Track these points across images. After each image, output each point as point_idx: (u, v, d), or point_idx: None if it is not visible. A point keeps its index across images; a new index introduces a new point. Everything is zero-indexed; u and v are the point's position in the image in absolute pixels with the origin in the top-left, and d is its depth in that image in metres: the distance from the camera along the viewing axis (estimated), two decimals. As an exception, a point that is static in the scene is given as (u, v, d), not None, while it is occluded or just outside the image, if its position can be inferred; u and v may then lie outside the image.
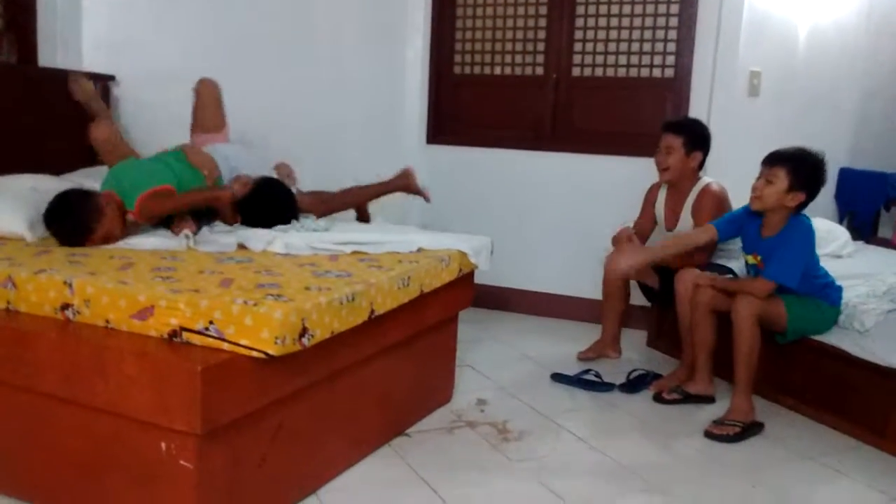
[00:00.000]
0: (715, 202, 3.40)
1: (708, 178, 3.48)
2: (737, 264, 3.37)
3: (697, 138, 3.44)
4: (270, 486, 2.13)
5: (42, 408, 2.07)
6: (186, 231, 2.77)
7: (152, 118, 3.46)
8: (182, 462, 1.86)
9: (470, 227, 3.47)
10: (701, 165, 3.47)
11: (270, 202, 3.08)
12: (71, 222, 2.64)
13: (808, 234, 2.95)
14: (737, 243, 3.34)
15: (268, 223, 2.97)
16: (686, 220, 3.48)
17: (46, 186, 2.91)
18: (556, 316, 4.46)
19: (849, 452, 2.83)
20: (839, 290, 3.05)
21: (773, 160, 2.93)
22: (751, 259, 3.07)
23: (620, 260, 3.22)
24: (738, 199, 3.21)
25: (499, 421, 2.94)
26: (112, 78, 3.69)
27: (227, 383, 1.86)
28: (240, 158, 3.26)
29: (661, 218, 3.60)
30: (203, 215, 2.98)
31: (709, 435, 2.88)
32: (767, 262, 2.96)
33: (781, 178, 2.88)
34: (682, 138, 3.41)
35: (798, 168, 2.87)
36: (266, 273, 2.32)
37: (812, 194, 2.91)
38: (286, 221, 3.03)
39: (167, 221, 2.90)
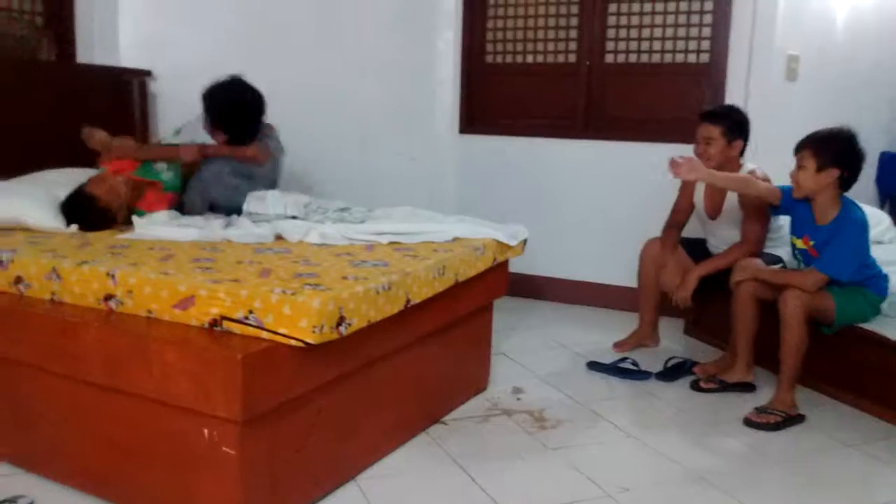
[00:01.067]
0: None
1: (751, 164, 3.42)
2: (784, 252, 3.32)
3: (737, 125, 3.37)
4: (310, 472, 2.16)
5: (87, 396, 2.12)
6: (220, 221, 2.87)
7: (188, 112, 3.49)
8: (224, 448, 1.89)
9: (503, 217, 3.46)
10: (742, 152, 3.42)
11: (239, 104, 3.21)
12: (89, 224, 2.84)
13: (864, 227, 2.92)
14: (783, 230, 3.29)
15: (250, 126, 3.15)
16: (731, 209, 3.42)
17: (79, 181, 2.98)
18: (590, 304, 4.45)
19: (891, 440, 2.78)
20: (886, 278, 3.00)
21: (799, 145, 2.94)
22: (800, 243, 3.02)
23: (685, 167, 3.08)
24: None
25: (535, 409, 2.94)
26: (149, 73, 3.75)
27: (266, 371, 1.88)
28: None
29: (701, 207, 3.54)
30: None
31: (749, 423, 2.85)
32: (821, 251, 2.91)
33: (808, 160, 2.87)
34: (721, 127, 3.34)
35: (822, 146, 2.87)
36: (304, 263, 2.35)
37: (848, 168, 2.87)
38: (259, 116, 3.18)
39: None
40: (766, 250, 3.38)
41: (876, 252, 3.19)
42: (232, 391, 1.81)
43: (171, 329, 2.00)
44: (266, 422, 1.94)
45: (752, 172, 3.37)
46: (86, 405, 2.14)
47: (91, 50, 3.81)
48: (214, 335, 1.96)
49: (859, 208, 2.95)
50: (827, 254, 2.88)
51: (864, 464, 2.61)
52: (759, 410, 2.89)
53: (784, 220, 3.30)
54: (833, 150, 2.86)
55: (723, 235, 3.48)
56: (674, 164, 3.10)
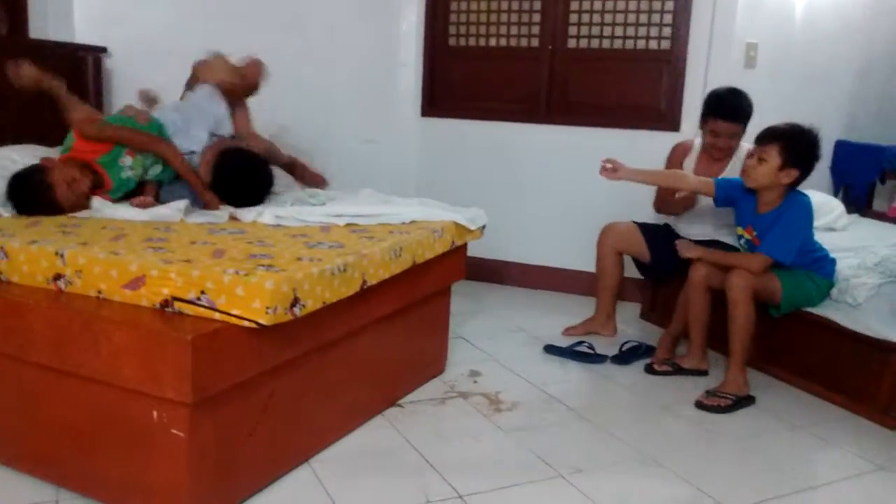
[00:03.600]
0: None
1: (746, 144, 3.40)
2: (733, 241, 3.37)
3: (751, 116, 3.35)
4: (262, 454, 2.15)
5: (35, 378, 2.08)
6: (180, 203, 2.77)
7: (144, 87, 3.44)
8: (174, 431, 1.87)
9: (464, 200, 3.46)
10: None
11: (242, 179, 2.99)
12: (33, 207, 2.64)
13: (806, 211, 2.95)
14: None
15: (250, 200, 2.93)
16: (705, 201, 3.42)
17: (26, 158, 2.90)
18: (550, 289, 4.48)
19: (838, 422, 2.85)
20: (833, 262, 3.06)
21: (765, 138, 2.91)
22: (745, 233, 3.07)
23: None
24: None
25: (491, 392, 2.96)
26: (104, 50, 3.67)
27: (217, 353, 1.87)
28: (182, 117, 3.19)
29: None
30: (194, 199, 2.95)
31: (700, 405, 2.90)
32: (763, 237, 2.96)
33: (773, 156, 2.86)
34: (743, 124, 3.33)
35: (790, 145, 2.86)
36: (258, 244, 2.33)
37: (806, 170, 2.90)
38: (265, 193, 3.02)
39: (132, 194, 2.91)
40: (721, 239, 3.41)
41: (828, 239, 3.26)
42: (181, 373, 1.79)
43: (120, 310, 1.97)
44: (217, 404, 1.93)
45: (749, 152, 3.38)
46: (34, 387, 2.10)
47: (44, 25, 3.72)
48: (165, 316, 1.93)
49: (803, 193, 2.98)
50: (770, 237, 2.92)
51: (811, 445, 2.67)
52: (710, 393, 2.94)
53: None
54: (800, 151, 2.86)
55: (698, 219, 3.47)
56: (605, 167, 3.20)
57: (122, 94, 3.68)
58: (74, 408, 2.04)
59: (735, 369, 2.96)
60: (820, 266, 3.02)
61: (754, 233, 3.01)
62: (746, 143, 3.42)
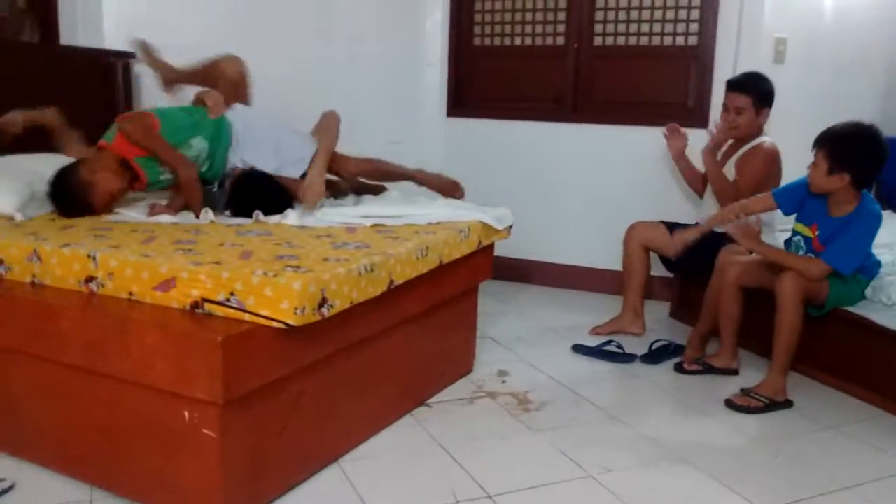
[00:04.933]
0: (765, 160, 3.33)
1: (768, 138, 3.40)
2: (769, 239, 3.31)
3: (765, 94, 3.38)
4: (292, 454, 2.16)
5: (68, 380, 2.11)
6: (208, 209, 2.79)
7: (173, 95, 3.47)
8: (205, 431, 1.89)
9: (490, 200, 3.44)
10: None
11: (258, 196, 2.90)
12: (69, 205, 2.69)
13: (877, 224, 2.85)
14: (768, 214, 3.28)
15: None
16: (728, 172, 3.43)
17: (49, 167, 2.90)
18: (578, 288, 4.46)
19: (873, 422, 2.81)
20: (879, 264, 2.99)
21: (816, 141, 2.84)
22: (807, 231, 2.96)
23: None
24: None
25: (520, 392, 2.95)
26: (133, 55, 3.71)
27: (247, 353, 1.88)
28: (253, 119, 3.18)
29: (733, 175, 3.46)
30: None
31: (730, 404, 2.87)
32: (828, 240, 2.88)
33: (820, 161, 2.79)
34: (751, 97, 3.35)
35: (836, 148, 2.77)
36: (286, 245, 2.34)
37: (863, 171, 2.78)
38: (278, 211, 2.86)
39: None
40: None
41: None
42: (212, 373, 1.81)
43: (151, 311, 1.99)
44: (247, 404, 1.94)
45: (761, 143, 3.36)
46: (67, 389, 2.13)
47: (74, 32, 3.77)
48: (195, 317, 1.95)
49: (875, 202, 2.89)
50: (836, 247, 2.83)
51: (845, 445, 2.63)
52: (744, 393, 2.90)
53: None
54: (847, 154, 2.77)
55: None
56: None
57: (151, 99, 3.72)
58: (107, 409, 2.06)
59: (776, 372, 2.89)
60: (866, 268, 2.96)
61: (817, 232, 2.92)
62: (769, 138, 3.39)
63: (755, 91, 3.37)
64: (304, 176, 3.05)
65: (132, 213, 2.76)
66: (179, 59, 3.69)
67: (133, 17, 3.73)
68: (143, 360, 1.91)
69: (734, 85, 3.42)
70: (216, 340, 1.80)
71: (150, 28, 3.74)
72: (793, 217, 3.08)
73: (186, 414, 1.90)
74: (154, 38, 3.74)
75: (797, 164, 3.93)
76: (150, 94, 3.74)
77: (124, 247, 2.22)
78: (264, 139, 3.11)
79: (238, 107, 3.19)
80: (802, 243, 3.00)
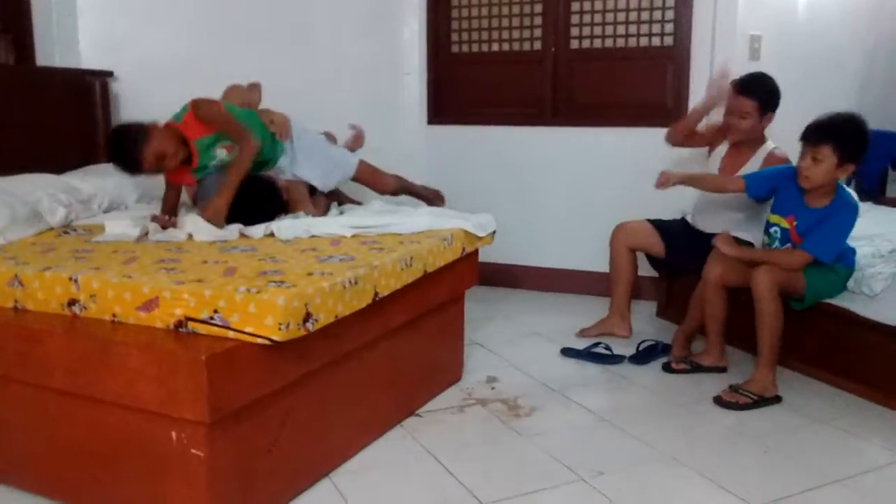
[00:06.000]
0: None
1: (772, 143, 3.39)
2: (756, 235, 3.34)
3: (771, 98, 3.30)
4: (282, 470, 2.15)
5: (54, 404, 2.09)
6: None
7: (150, 111, 3.45)
8: (193, 451, 1.88)
9: (474, 206, 3.45)
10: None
11: (252, 197, 2.97)
12: (120, 155, 2.80)
13: (855, 214, 2.89)
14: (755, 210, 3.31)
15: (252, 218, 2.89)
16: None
17: (31, 189, 2.89)
18: (564, 291, 4.47)
19: (861, 414, 2.83)
20: (853, 251, 3.02)
21: (817, 137, 2.81)
22: (784, 222, 2.99)
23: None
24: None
25: (510, 397, 2.95)
26: (110, 74, 3.70)
27: (232, 371, 1.87)
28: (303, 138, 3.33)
29: (718, 171, 3.46)
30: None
31: (718, 400, 2.88)
32: (806, 231, 2.90)
33: (829, 156, 2.78)
34: (756, 102, 3.26)
35: (844, 141, 2.78)
36: (269, 260, 2.34)
37: (861, 162, 2.84)
38: (270, 215, 2.96)
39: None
40: (735, 233, 3.38)
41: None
42: (198, 393, 1.80)
43: (135, 332, 1.98)
44: (235, 422, 1.94)
45: (773, 152, 3.33)
46: (53, 413, 2.11)
47: (51, 52, 3.75)
48: (179, 337, 1.94)
49: (850, 192, 2.92)
50: (816, 236, 2.86)
51: (834, 438, 2.65)
52: (732, 389, 2.92)
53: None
54: (854, 145, 2.79)
55: (717, 214, 3.43)
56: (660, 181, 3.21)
57: (130, 117, 3.70)
58: (94, 432, 2.05)
59: (763, 368, 2.91)
60: (843, 256, 2.98)
61: (795, 223, 2.95)
62: (773, 143, 3.38)
63: (762, 94, 3.27)
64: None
65: (116, 231, 2.73)
66: (156, 75, 3.68)
67: (109, 35, 3.71)
68: (128, 382, 1.89)
69: (741, 87, 3.29)
70: (200, 359, 1.79)
71: (127, 46, 3.74)
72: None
73: (174, 434, 1.89)
74: (131, 56, 3.73)
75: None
76: (130, 113, 3.73)
77: (106, 268, 2.20)
78: (312, 153, 3.30)
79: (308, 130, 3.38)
80: (779, 234, 3.02)
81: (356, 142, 3.81)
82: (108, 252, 2.45)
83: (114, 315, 2.06)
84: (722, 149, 3.50)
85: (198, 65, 3.67)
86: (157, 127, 2.87)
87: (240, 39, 4.03)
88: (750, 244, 3.30)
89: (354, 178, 3.44)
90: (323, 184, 3.33)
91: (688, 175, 3.29)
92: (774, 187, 3.03)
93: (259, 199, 2.99)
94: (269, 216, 2.93)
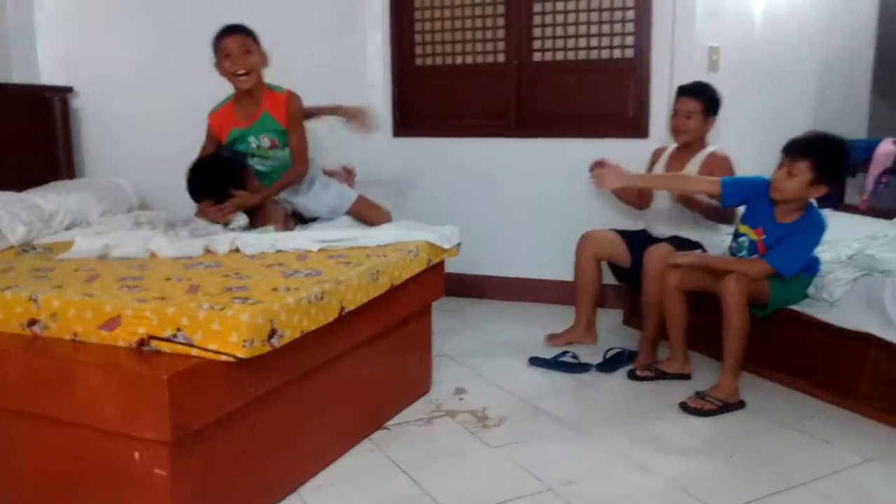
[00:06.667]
0: (726, 169, 3.36)
1: (713, 145, 3.47)
2: (705, 234, 3.40)
3: (714, 103, 3.44)
4: (249, 488, 2.13)
5: (13, 425, 2.05)
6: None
7: (111, 127, 3.44)
8: (156, 470, 1.85)
9: (439, 218, 3.46)
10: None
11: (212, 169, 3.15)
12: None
13: (821, 233, 2.92)
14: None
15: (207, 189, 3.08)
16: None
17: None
18: (531, 300, 4.48)
19: (824, 417, 2.87)
20: (819, 262, 3.04)
21: (796, 151, 2.84)
22: (751, 233, 3.01)
23: (609, 176, 3.13)
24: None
25: (478, 408, 2.96)
26: (70, 90, 3.67)
27: (195, 389, 1.85)
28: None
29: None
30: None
31: (684, 407, 2.91)
32: (772, 245, 2.93)
33: (804, 171, 2.80)
34: (702, 103, 3.41)
35: (823, 161, 2.80)
36: (234, 276, 2.32)
37: (835, 185, 2.88)
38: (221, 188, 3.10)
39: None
40: (682, 235, 3.44)
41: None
42: (159, 412, 1.78)
43: (95, 351, 1.95)
44: (198, 441, 1.91)
45: (714, 152, 3.41)
46: (13, 434, 2.07)
47: (8, 68, 3.71)
48: (141, 356, 1.92)
49: (819, 212, 2.96)
50: (780, 250, 2.89)
51: (799, 441, 2.69)
52: (698, 395, 2.95)
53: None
54: (832, 167, 2.83)
55: (669, 218, 3.50)
56: (596, 175, 3.13)
57: (91, 132, 3.67)
58: (54, 453, 2.01)
59: (728, 375, 2.94)
60: (807, 266, 3.01)
61: (763, 236, 2.97)
62: (714, 147, 3.46)
63: (706, 97, 3.43)
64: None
65: (83, 247, 2.69)
66: (115, 90, 3.65)
67: (68, 52, 3.68)
68: (89, 402, 1.87)
69: (686, 90, 3.47)
70: (162, 378, 1.77)
71: (86, 62, 3.71)
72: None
73: (136, 454, 1.87)
74: (91, 72, 3.70)
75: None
76: (90, 128, 3.70)
77: (67, 287, 2.17)
78: (328, 187, 3.45)
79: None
80: (747, 244, 3.05)
81: (349, 182, 3.82)
82: (70, 270, 2.41)
83: (75, 334, 2.03)
84: (667, 154, 3.58)
85: (157, 80, 3.65)
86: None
87: (199, 53, 3.99)
88: (698, 244, 3.36)
89: (349, 212, 3.44)
90: (329, 217, 3.38)
91: (643, 176, 3.32)
92: (748, 198, 3.05)
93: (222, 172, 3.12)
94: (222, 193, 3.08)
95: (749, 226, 3.05)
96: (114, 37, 3.79)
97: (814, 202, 2.98)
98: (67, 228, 3.06)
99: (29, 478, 2.08)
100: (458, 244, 3.09)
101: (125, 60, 3.78)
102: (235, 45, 3.11)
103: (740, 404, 2.95)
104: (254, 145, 3.23)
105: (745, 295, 2.88)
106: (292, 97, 3.23)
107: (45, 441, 2.02)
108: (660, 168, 3.56)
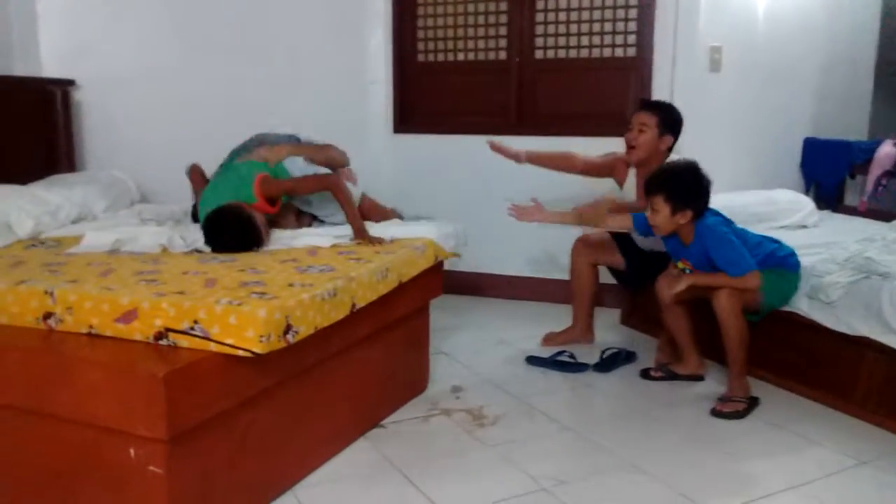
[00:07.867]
0: None
1: (678, 156, 3.44)
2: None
3: (671, 121, 3.42)
4: (244, 486, 2.14)
5: (11, 421, 2.06)
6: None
7: (113, 118, 3.44)
8: (152, 468, 1.86)
9: (440, 215, 3.49)
10: (670, 150, 3.47)
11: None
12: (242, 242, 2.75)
13: (720, 226, 2.97)
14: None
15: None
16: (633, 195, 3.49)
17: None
18: (529, 299, 4.50)
19: (819, 419, 2.90)
20: (792, 254, 3.07)
21: (649, 188, 2.95)
22: (683, 265, 3.07)
23: (531, 211, 3.32)
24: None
25: (474, 407, 2.98)
26: (72, 83, 3.67)
27: (192, 386, 1.86)
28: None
29: (635, 198, 3.54)
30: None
31: (719, 414, 2.91)
32: (700, 266, 2.99)
33: (662, 205, 2.91)
34: (657, 118, 3.39)
35: (672, 191, 2.90)
36: (250, 271, 2.35)
37: (700, 203, 2.93)
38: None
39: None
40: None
41: (799, 236, 3.32)
42: (155, 409, 1.78)
43: (99, 347, 1.96)
44: (195, 438, 1.92)
45: None
46: (9, 430, 2.07)
47: (10, 61, 3.70)
48: (141, 352, 1.93)
49: (707, 213, 2.98)
50: (721, 263, 2.92)
51: (793, 443, 2.71)
52: (723, 400, 2.96)
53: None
54: (683, 193, 2.90)
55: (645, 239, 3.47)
56: (515, 210, 3.27)
57: (93, 125, 3.68)
58: (52, 449, 2.01)
59: (736, 378, 2.98)
60: (783, 260, 3.04)
61: (691, 264, 3.03)
62: (677, 156, 3.44)
63: (662, 114, 3.42)
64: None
65: (92, 242, 2.70)
66: (117, 83, 3.65)
67: (70, 45, 3.68)
68: (87, 398, 1.88)
69: (643, 103, 3.50)
70: (158, 376, 1.78)
71: (88, 55, 3.71)
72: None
73: (132, 451, 1.87)
74: (93, 65, 3.71)
75: (733, 168, 4.07)
76: (92, 120, 3.70)
77: (83, 281, 2.19)
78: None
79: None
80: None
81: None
82: (82, 265, 2.43)
83: (91, 327, 2.03)
84: (632, 175, 3.58)
85: (160, 73, 3.66)
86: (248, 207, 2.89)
87: (203, 48, 4.01)
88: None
89: None
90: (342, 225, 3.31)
91: (560, 213, 3.42)
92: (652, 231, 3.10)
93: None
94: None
95: (675, 259, 3.12)
96: (116, 30, 3.79)
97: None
98: (74, 222, 3.08)
99: (25, 473, 2.08)
100: (465, 242, 3.10)
101: (128, 54, 3.79)
102: None
103: (757, 399, 2.99)
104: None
105: (738, 307, 2.92)
106: (261, 190, 2.99)
107: (41, 437, 2.02)
108: (630, 185, 3.57)
